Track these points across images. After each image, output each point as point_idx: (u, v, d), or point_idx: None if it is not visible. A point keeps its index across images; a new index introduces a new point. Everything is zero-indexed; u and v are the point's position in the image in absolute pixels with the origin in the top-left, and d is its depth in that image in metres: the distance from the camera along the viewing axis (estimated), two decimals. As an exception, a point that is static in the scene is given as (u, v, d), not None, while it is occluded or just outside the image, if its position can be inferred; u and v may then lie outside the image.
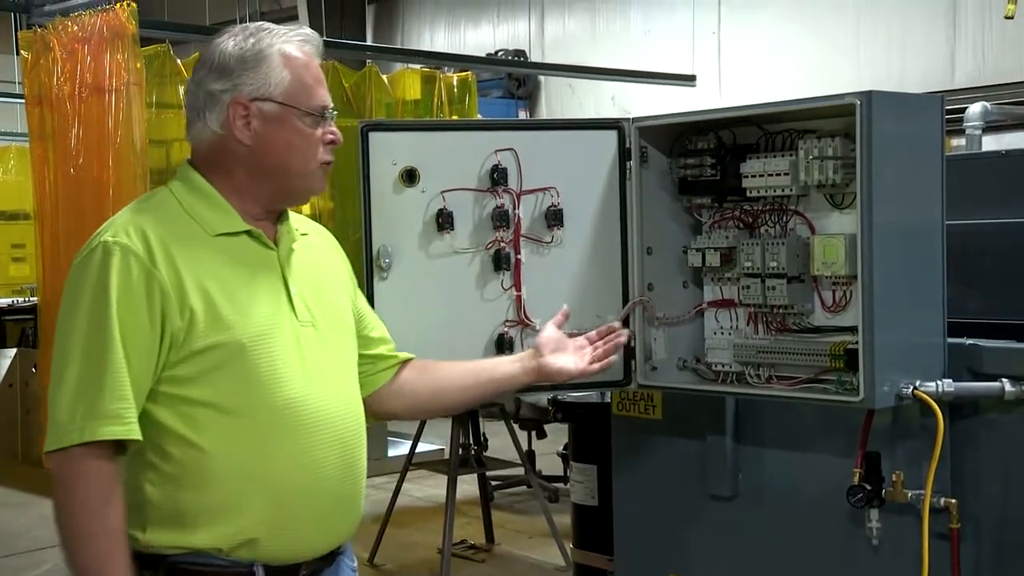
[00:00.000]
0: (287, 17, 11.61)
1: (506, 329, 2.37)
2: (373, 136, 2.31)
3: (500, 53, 10.44)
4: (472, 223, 2.36)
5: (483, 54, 10.27)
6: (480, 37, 10.97)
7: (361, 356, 1.96)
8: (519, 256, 2.37)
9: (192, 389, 1.69)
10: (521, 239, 2.38)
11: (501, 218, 2.36)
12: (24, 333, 8.71)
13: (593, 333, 2.09)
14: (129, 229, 1.70)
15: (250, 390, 1.69)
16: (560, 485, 5.95)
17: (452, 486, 4.82)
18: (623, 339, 2.10)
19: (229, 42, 1.77)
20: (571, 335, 2.08)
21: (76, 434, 1.62)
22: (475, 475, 5.39)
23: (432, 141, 2.37)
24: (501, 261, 2.36)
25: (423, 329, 2.26)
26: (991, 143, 4.88)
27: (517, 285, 2.36)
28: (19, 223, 9.81)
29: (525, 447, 5.77)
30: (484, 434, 5.62)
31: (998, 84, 7.35)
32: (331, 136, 1.81)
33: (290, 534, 1.72)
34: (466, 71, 7.56)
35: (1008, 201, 2.65)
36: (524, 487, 6.13)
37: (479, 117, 7.68)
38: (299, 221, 1.91)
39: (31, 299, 8.31)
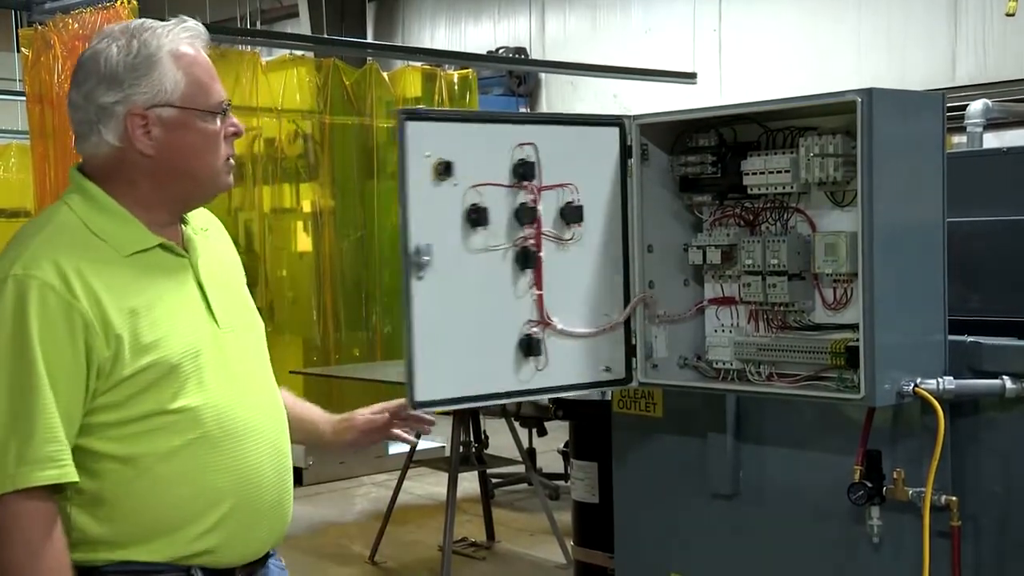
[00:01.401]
0: (287, 15, 11.61)
1: (532, 330, 2.29)
2: (411, 126, 2.16)
3: (501, 50, 10.44)
4: (500, 219, 2.26)
5: (484, 52, 10.27)
6: (481, 34, 10.97)
7: None
8: (540, 254, 2.29)
9: (122, 412, 1.65)
10: (542, 236, 2.29)
11: (528, 214, 2.28)
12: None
13: (393, 410, 2.09)
14: (41, 261, 1.62)
15: (183, 407, 1.67)
16: (561, 483, 5.96)
17: (453, 484, 4.82)
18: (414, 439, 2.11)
19: (112, 48, 1.68)
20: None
21: (8, 482, 1.58)
22: (476, 473, 5.40)
23: (463, 132, 2.26)
24: (528, 259, 2.29)
25: (459, 331, 2.20)
26: (992, 140, 4.88)
27: (538, 283, 2.29)
28: (20, 220, 9.82)
29: (526, 445, 5.77)
30: (485, 432, 5.63)
31: (999, 81, 7.35)
32: (233, 129, 1.75)
33: (229, 543, 1.72)
34: (467, 69, 7.56)
35: (1009, 199, 2.65)
36: (525, 485, 6.13)
37: (480, 115, 7.67)
38: (198, 215, 1.85)
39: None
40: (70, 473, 1.60)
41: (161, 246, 1.72)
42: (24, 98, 5.70)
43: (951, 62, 7.71)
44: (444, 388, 2.17)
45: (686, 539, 2.57)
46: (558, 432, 5.76)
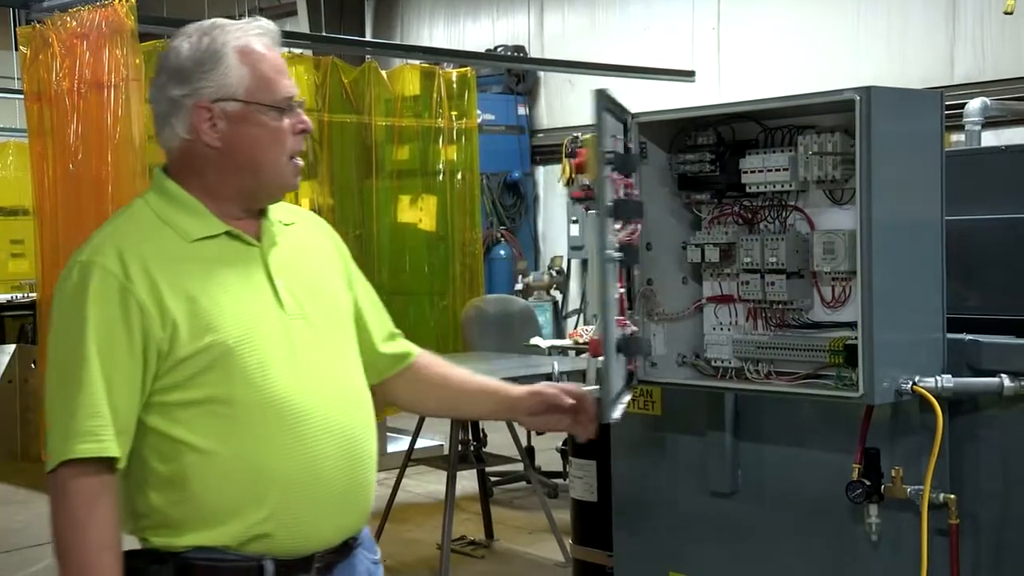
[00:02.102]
0: (286, 13, 11.60)
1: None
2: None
3: (500, 49, 10.43)
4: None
5: (482, 50, 10.26)
6: (479, 33, 10.96)
7: (371, 352, 1.96)
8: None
9: (183, 394, 1.70)
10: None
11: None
12: (23, 329, 8.71)
13: (578, 401, 2.01)
14: (105, 247, 1.71)
15: (240, 389, 1.70)
16: (559, 481, 5.96)
17: (451, 482, 4.82)
18: (586, 436, 2.04)
19: (183, 44, 1.76)
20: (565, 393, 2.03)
21: (55, 455, 1.66)
22: (474, 471, 5.39)
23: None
24: (631, 254, 2.24)
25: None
26: (990, 139, 4.88)
27: (621, 281, 2.25)
28: (18, 219, 9.81)
29: (524, 443, 5.77)
30: (483, 430, 5.63)
31: (997, 80, 7.34)
32: (301, 125, 1.80)
33: (294, 528, 1.74)
34: (465, 67, 7.55)
35: (1007, 197, 2.65)
36: (523, 483, 6.13)
37: (478, 113, 7.68)
38: (286, 211, 1.90)
39: (30, 295, 8.31)
40: (110, 448, 1.66)
41: (228, 234, 1.78)
42: (22, 96, 5.70)
43: (950, 60, 7.71)
44: None
45: (685, 537, 2.57)
46: (557, 430, 5.75)
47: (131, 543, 1.77)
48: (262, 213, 1.84)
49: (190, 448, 1.70)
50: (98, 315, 1.67)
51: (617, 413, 2.10)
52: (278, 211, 1.88)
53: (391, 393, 2.06)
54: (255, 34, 1.77)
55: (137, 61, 5.14)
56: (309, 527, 1.76)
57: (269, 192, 1.82)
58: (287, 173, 1.80)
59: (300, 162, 1.82)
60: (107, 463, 1.68)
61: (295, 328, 1.77)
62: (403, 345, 2.05)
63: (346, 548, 1.84)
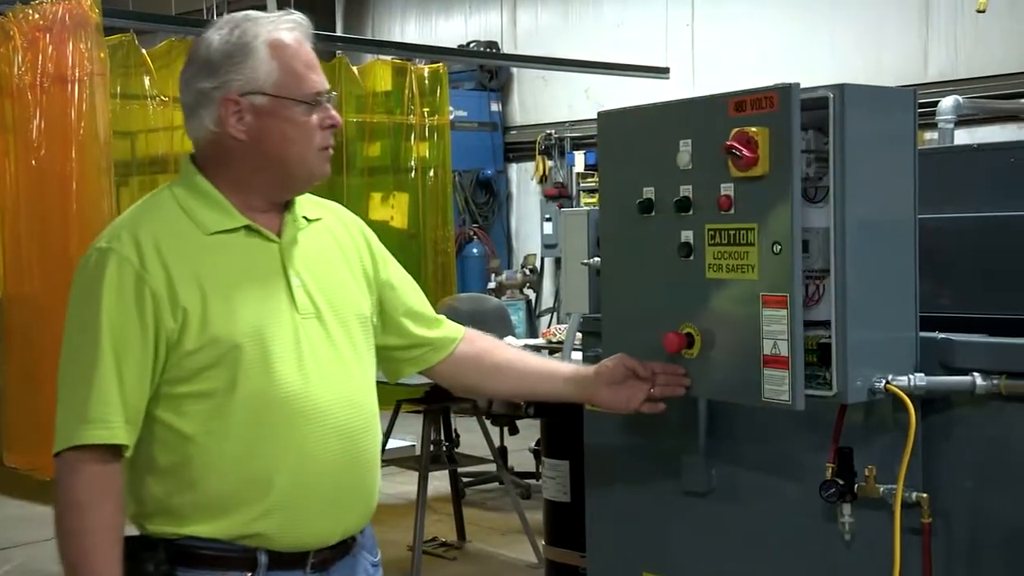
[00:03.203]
0: (255, 6, 11.53)
1: None
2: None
3: (472, 44, 10.42)
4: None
5: (455, 45, 10.25)
6: (452, 28, 10.94)
7: (410, 337, 2.00)
8: None
9: (189, 387, 1.73)
10: None
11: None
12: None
13: (659, 365, 2.10)
14: (123, 234, 1.73)
15: (245, 386, 1.72)
16: (532, 481, 5.96)
17: (423, 483, 4.82)
18: (680, 391, 2.12)
19: (214, 36, 1.77)
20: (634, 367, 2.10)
21: (63, 439, 1.70)
22: (446, 472, 5.39)
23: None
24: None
25: None
26: (963, 137, 4.93)
27: None
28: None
29: (497, 443, 5.78)
30: (456, 430, 5.62)
31: (971, 78, 7.42)
32: (330, 121, 1.81)
33: (291, 526, 1.76)
34: (438, 63, 7.54)
35: (980, 195, 2.68)
36: (496, 484, 6.14)
37: (451, 109, 7.67)
38: (313, 205, 1.91)
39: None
40: (118, 435, 1.69)
41: (247, 228, 1.78)
42: (-17, 90, 5.63)
43: (923, 58, 7.78)
44: None
45: (658, 538, 2.58)
46: (530, 430, 5.76)
47: (130, 530, 1.79)
48: (287, 208, 1.85)
49: (193, 441, 1.73)
50: (113, 302, 1.69)
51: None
52: (305, 206, 1.89)
53: (449, 377, 2.10)
54: (286, 28, 1.78)
55: (102, 55, 5.10)
56: (306, 525, 1.78)
57: (296, 184, 1.84)
58: (316, 164, 1.81)
59: (330, 151, 1.83)
60: (114, 450, 1.71)
61: (306, 327, 1.79)
62: (447, 330, 2.08)
63: (344, 547, 1.85)
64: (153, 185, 6.01)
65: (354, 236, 1.97)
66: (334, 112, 1.82)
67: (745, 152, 1.99)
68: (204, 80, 1.76)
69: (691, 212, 2.12)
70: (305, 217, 1.87)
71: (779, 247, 1.99)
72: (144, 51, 5.71)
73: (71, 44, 4.99)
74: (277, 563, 1.76)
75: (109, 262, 1.71)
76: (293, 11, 1.83)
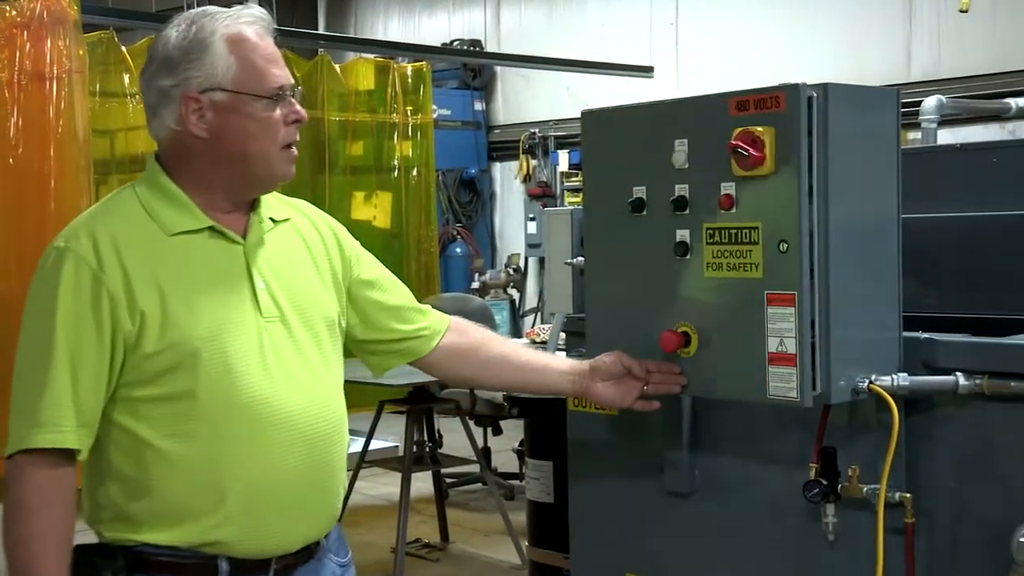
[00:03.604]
0: (235, 2, 11.49)
1: None
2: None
3: (456, 43, 10.41)
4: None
5: (438, 44, 10.23)
6: (435, 26, 10.93)
7: (397, 333, 2.00)
8: None
9: (148, 390, 1.70)
10: None
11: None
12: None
13: (653, 363, 2.11)
14: (81, 233, 1.71)
15: (205, 391, 1.69)
16: (516, 482, 5.96)
17: (406, 484, 4.81)
18: (676, 388, 2.13)
19: (172, 33, 1.76)
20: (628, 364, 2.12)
21: (14, 443, 1.67)
22: (430, 472, 5.38)
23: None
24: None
25: None
26: (947, 136, 4.96)
27: None
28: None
29: (481, 444, 5.78)
30: (439, 431, 5.62)
31: (954, 78, 7.46)
32: (294, 116, 1.77)
33: (251, 532, 1.73)
34: (421, 61, 7.53)
35: (963, 195, 2.69)
36: (480, 484, 6.13)
37: (434, 108, 7.66)
38: (281, 205, 1.88)
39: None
40: (69, 440, 1.66)
41: (211, 229, 1.75)
42: (-41, 87, 5.58)
43: (907, 58, 7.82)
44: None
45: (642, 538, 2.58)
46: (513, 431, 5.76)
47: (87, 536, 1.78)
48: (253, 208, 1.81)
49: (150, 446, 1.70)
50: (68, 304, 1.66)
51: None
52: (272, 206, 1.85)
53: (441, 369, 2.09)
54: (245, 22, 1.75)
55: (81, 52, 5.07)
56: (267, 531, 1.75)
57: (260, 183, 1.80)
58: (279, 163, 1.77)
59: (295, 151, 1.79)
60: (66, 454, 1.68)
61: (270, 331, 1.76)
62: (432, 320, 2.07)
63: (307, 552, 1.83)
64: (133, 184, 5.99)
65: (324, 235, 1.93)
66: (298, 107, 1.78)
67: (752, 151, 1.99)
68: (164, 78, 1.74)
69: (687, 211, 2.13)
70: (272, 218, 1.84)
71: (786, 245, 2.00)
72: (124, 48, 5.68)
73: (49, 41, 4.96)
74: (239, 570, 1.74)
75: (66, 262, 1.68)
76: (253, 5, 1.82)
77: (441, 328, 2.08)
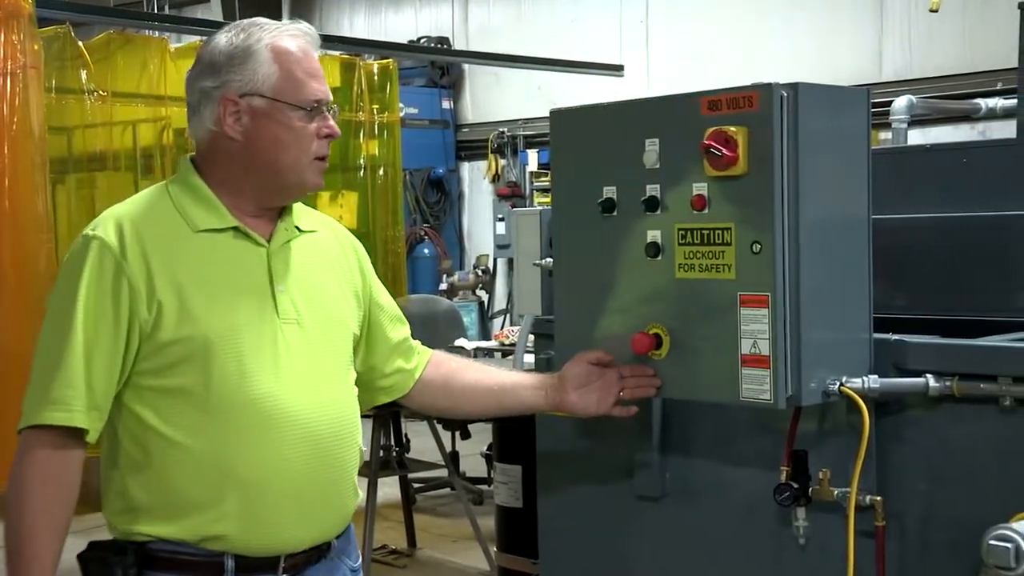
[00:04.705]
0: (198, 0, 11.41)
1: None
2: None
3: (423, 40, 10.40)
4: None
5: (405, 41, 10.22)
6: (402, 23, 10.91)
7: (392, 367, 2.07)
8: None
9: (160, 380, 1.77)
10: None
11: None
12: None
13: (627, 368, 2.14)
14: (109, 224, 1.80)
15: (216, 385, 1.76)
16: (484, 487, 5.96)
17: (372, 489, 4.80)
18: (651, 391, 2.15)
19: (221, 39, 1.86)
20: (604, 365, 2.14)
21: (25, 418, 1.75)
22: (396, 477, 5.37)
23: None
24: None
25: None
26: (918, 137, 5.02)
27: None
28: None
29: (448, 448, 5.77)
30: (406, 435, 5.60)
31: (925, 77, 7.55)
32: (327, 130, 1.86)
33: (254, 530, 1.79)
34: (387, 59, 7.51)
35: (933, 196, 2.72)
36: (447, 489, 6.12)
37: (401, 106, 7.64)
38: (310, 217, 1.97)
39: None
40: (77, 419, 1.73)
41: (236, 229, 1.84)
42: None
43: (878, 57, 7.91)
44: None
45: (612, 543, 2.59)
46: (482, 435, 5.76)
47: (102, 534, 1.84)
48: (282, 215, 1.90)
49: (158, 434, 1.77)
50: (90, 288, 1.75)
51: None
52: (302, 217, 1.95)
53: (419, 402, 2.17)
54: (291, 35, 1.86)
55: (36, 47, 5.00)
56: (273, 529, 1.80)
57: (288, 191, 1.89)
58: (308, 173, 1.86)
59: (325, 164, 1.88)
60: (74, 435, 1.75)
61: (285, 333, 1.83)
62: (420, 358, 2.14)
63: (318, 552, 1.88)
64: (91, 182, 5.92)
65: (347, 254, 2.03)
66: (332, 123, 1.88)
67: (725, 151, 2.00)
68: (206, 79, 1.83)
69: (659, 212, 2.14)
70: (298, 227, 1.93)
71: (759, 246, 2.01)
72: (81, 43, 5.62)
73: (2, 36, 4.89)
74: (245, 568, 1.79)
75: (92, 250, 1.77)
76: (301, 21, 1.92)
77: (423, 361, 2.15)
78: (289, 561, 1.83)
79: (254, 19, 1.89)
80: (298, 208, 1.94)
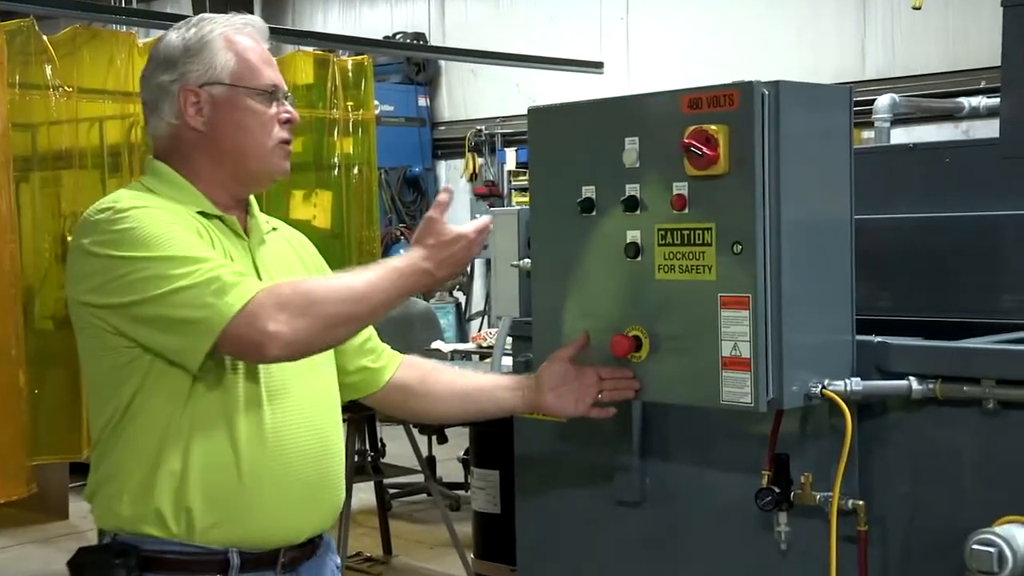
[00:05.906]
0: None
1: None
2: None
3: (398, 36, 10.38)
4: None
5: (380, 37, 10.20)
6: (377, 19, 10.89)
7: (356, 365, 2.08)
8: None
9: (156, 364, 1.77)
10: None
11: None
12: None
13: (606, 369, 2.14)
14: (120, 198, 1.81)
15: (213, 376, 1.78)
16: (461, 492, 5.96)
17: (347, 495, 4.78)
18: (630, 393, 2.15)
19: (173, 35, 1.90)
20: (583, 355, 2.15)
21: (212, 327, 1.69)
22: (372, 483, 5.36)
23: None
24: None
25: None
26: (901, 135, 5.06)
27: None
28: None
29: (425, 453, 5.76)
30: (381, 439, 5.59)
31: (907, 76, 7.60)
32: (287, 115, 1.91)
33: (257, 520, 1.81)
34: (362, 55, 7.49)
35: (916, 196, 2.74)
36: (424, 495, 6.12)
37: (376, 103, 7.62)
38: (266, 217, 2.02)
39: None
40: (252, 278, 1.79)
41: (221, 219, 1.87)
42: None
43: (861, 55, 7.96)
44: None
45: (591, 549, 2.59)
46: (459, 439, 5.75)
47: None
48: (248, 211, 1.94)
49: (162, 413, 1.78)
50: (152, 218, 1.75)
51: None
52: (259, 216, 1.99)
53: (390, 405, 2.18)
54: (241, 24, 1.92)
55: (-1, 42, 4.96)
56: (274, 520, 1.83)
57: (257, 177, 1.93)
58: (274, 157, 1.90)
59: (289, 148, 1.92)
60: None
61: None
62: (388, 357, 2.15)
63: (311, 546, 1.92)
64: (56, 181, 5.86)
65: (308, 251, 2.10)
66: (291, 107, 1.93)
67: (705, 150, 2.00)
68: (163, 74, 1.86)
69: (639, 212, 2.14)
70: (270, 226, 1.99)
71: (740, 247, 2.02)
72: (45, 38, 5.56)
73: (-35, 30, 4.86)
74: (249, 563, 1.81)
75: (131, 208, 1.76)
76: (249, 14, 1.98)
77: (394, 363, 2.16)
78: (288, 555, 1.86)
79: (201, 15, 1.93)
80: (254, 208, 1.98)
